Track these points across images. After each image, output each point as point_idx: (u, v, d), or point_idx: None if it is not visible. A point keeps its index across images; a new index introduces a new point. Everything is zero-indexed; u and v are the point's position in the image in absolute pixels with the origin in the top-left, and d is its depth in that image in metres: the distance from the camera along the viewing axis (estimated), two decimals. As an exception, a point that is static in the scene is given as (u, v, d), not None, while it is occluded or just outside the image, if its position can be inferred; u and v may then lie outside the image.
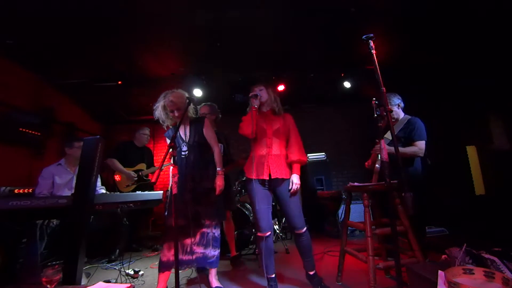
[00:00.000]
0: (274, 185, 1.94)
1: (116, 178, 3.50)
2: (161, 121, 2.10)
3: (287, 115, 2.07)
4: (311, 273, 1.94)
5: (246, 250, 3.12)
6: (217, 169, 2.06)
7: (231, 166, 2.72)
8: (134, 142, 3.73)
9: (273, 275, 1.91)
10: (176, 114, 2.02)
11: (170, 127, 2.14)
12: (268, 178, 1.90)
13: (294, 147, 1.99)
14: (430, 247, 2.29)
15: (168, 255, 1.88)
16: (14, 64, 3.26)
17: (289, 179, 1.92)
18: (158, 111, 2.06)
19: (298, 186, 1.90)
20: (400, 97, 2.38)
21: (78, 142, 2.79)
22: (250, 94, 2.00)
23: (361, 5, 2.69)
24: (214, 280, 2.02)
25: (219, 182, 2.01)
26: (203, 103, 2.81)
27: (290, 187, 1.89)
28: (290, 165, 1.96)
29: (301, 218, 1.90)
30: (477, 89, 3.83)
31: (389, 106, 2.10)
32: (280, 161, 1.94)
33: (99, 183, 2.94)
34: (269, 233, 1.89)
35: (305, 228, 1.89)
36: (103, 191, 2.89)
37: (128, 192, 3.37)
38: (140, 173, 3.57)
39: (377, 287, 1.65)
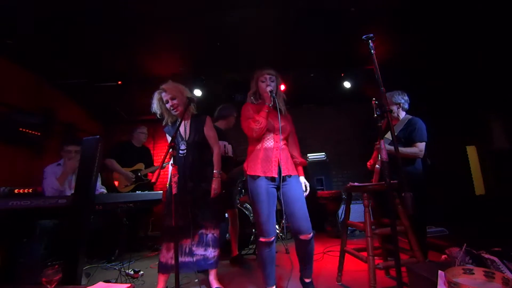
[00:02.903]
0: (282, 182, 1.76)
1: (114, 179, 3.50)
2: (158, 115, 2.06)
3: (288, 114, 1.98)
4: (307, 280, 1.81)
5: (246, 250, 3.12)
6: (214, 171, 2.01)
7: (239, 167, 2.72)
8: (132, 142, 3.73)
9: (274, 287, 1.75)
10: (170, 104, 1.99)
11: (169, 124, 2.11)
12: (277, 176, 1.73)
13: (296, 149, 1.93)
14: (430, 247, 2.29)
15: (167, 256, 1.86)
16: (14, 64, 3.25)
17: (297, 176, 1.85)
18: (156, 104, 2.04)
19: None
20: (405, 97, 2.33)
21: (67, 145, 2.73)
22: (268, 89, 1.77)
23: (361, 5, 2.69)
24: (214, 281, 2.01)
25: (214, 186, 1.97)
26: (226, 105, 2.89)
27: (305, 190, 1.83)
28: (296, 165, 1.89)
29: (308, 222, 1.70)
30: (477, 89, 3.82)
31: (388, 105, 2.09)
32: (288, 157, 1.85)
33: (99, 183, 2.93)
34: (273, 238, 1.70)
35: (311, 234, 1.70)
36: (104, 191, 2.88)
37: (127, 192, 3.37)
38: (139, 173, 3.57)
39: (377, 287, 1.65)
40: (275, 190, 1.77)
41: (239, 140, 5.19)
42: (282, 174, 1.74)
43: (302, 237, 1.69)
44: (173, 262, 1.82)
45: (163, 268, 1.87)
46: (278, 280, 2.03)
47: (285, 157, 1.80)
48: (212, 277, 2.02)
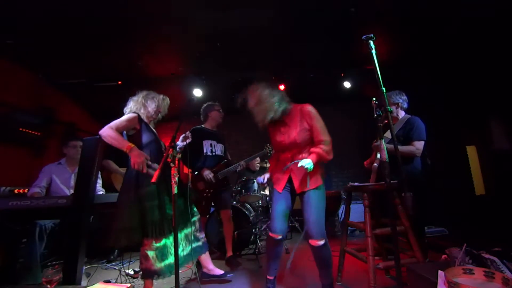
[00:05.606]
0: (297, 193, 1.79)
1: (112, 179, 3.49)
2: (129, 111, 2.12)
3: (296, 116, 2.01)
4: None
5: (246, 250, 3.12)
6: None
7: (231, 167, 2.74)
8: None
9: (273, 277, 1.84)
10: (154, 116, 2.13)
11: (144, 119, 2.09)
12: (283, 190, 1.81)
13: (318, 139, 1.84)
14: (430, 247, 2.29)
15: (147, 263, 1.78)
16: (14, 64, 3.25)
17: (316, 188, 1.73)
18: (159, 102, 2.11)
19: None
20: (403, 96, 2.33)
21: (73, 141, 2.75)
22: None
23: (361, 5, 2.69)
24: (211, 265, 2.12)
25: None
26: (212, 103, 2.83)
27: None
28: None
29: (320, 227, 1.61)
30: (477, 89, 3.82)
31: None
32: (303, 170, 1.72)
33: (100, 185, 2.93)
34: (280, 236, 1.73)
35: (323, 241, 1.61)
36: (102, 192, 2.88)
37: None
38: None
39: (377, 287, 1.65)
40: (289, 194, 1.81)
41: (239, 141, 5.21)
42: (297, 192, 1.75)
43: (310, 241, 1.65)
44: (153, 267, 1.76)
45: (148, 275, 1.80)
46: (279, 280, 2.02)
47: (298, 171, 1.72)
48: (211, 265, 2.11)
